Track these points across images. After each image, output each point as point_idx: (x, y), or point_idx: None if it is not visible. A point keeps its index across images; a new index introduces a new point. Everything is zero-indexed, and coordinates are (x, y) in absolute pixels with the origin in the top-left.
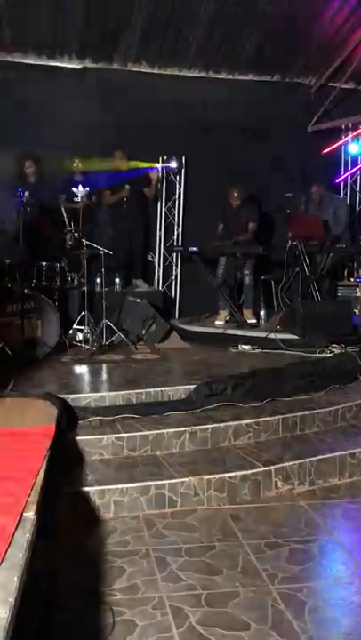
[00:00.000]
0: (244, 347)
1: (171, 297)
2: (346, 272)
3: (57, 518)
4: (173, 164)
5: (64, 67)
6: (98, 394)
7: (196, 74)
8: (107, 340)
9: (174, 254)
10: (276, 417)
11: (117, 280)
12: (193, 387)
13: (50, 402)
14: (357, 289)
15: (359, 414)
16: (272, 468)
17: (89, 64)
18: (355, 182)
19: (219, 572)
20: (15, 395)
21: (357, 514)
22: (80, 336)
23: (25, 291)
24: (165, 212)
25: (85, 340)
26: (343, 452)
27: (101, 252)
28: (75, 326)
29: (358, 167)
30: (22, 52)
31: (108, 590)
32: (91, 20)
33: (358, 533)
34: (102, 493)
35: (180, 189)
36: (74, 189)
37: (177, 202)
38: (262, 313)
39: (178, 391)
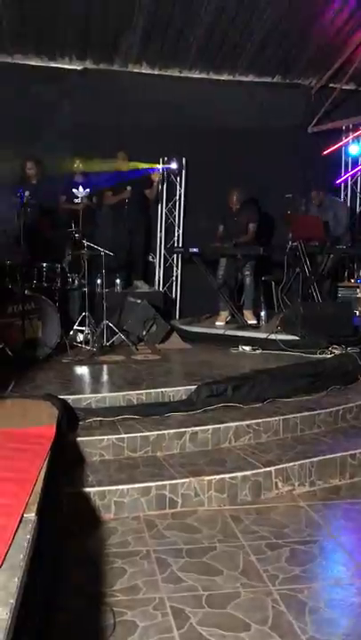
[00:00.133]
0: (244, 348)
1: (171, 298)
2: (346, 273)
3: (57, 519)
4: (174, 166)
5: (65, 68)
6: (98, 395)
7: (196, 75)
8: (107, 340)
9: (175, 255)
10: (277, 418)
11: (118, 281)
12: (194, 388)
13: (50, 403)
14: (358, 290)
15: (360, 415)
16: (273, 468)
17: (90, 65)
18: (355, 183)
19: (219, 572)
20: (16, 395)
21: (358, 515)
22: (81, 337)
23: (26, 291)
24: (166, 213)
25: (86, 341)
26: (344, 453)
27: (102, 253)
28: (75, 327)
29: (359, 168)
30: (23, 54)
31: (108, 591)
32: (91, 20)
33: (359, 534)
34: (103, 494)
35: (180, 190)
36: (74, 190)
37: (177, 203)
38: (263, 314)
39: (178, 392)
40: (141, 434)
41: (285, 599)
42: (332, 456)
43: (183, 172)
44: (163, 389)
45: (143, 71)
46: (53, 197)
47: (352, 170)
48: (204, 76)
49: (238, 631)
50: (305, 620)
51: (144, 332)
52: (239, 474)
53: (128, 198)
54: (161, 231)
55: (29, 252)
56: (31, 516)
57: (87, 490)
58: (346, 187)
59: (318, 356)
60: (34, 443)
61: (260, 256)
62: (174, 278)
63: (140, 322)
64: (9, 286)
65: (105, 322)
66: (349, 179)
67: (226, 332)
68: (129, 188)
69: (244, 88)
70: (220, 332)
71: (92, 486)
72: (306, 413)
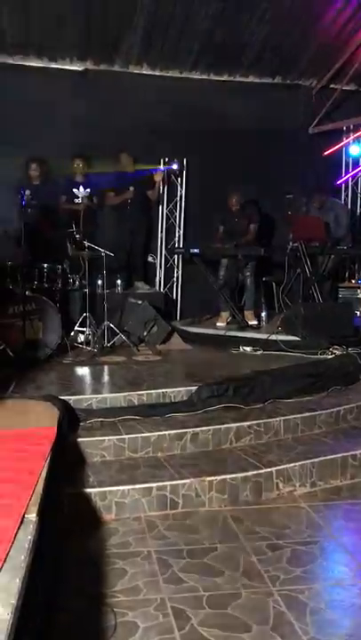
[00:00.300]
0: (245, 348)
1: (172, 298)
2: (347, 274)
3: (58, 520)
4: (175, 166)
5: (65, 69)
6: (99, 395)
7: (197, 76)
8: (108, 341)
9: (175, 256)
10: (278, 418)
11: (119, 282)
12: (194, 388)
13: (51, 403)
14: (359, 290)
15: (360, 416)
16: (273, 469)
17: (90, 66)
18: (356, 184)
19: (220, 573)
20: (17, 396)
21: (359, 515)
22: (81, 338)
23: (26, 292)
24: (167, 214)
25: (87, 342)
26: (345, 454)
27: (102, 254)
28: (76, 328)
29: (359, 169)
30: (24, 55)
31: (109, 592)
32: (92, 21)
33: (360, 535)
34: (104, 495)
35: (181, 191)
36: (74, 190)
37: (178, 204)
38: (263, 314)
39: (179, 393)
40: (142, 434)
41: (286, 600)
42: (332, 457)
43: (184, 172)
44: (163, 390)
45: (144, 72)
46: (54, 198)
47: (353, 170)
48: (204, 76)
49: (239, 632)
50: (306, 621)
51: (145, 333)
52: (240, 474)
53: (130, 199)
54: (162, 232)
55: (30, 252)
56: (32, 516)
57: (88, 490)
58: (346, 187)
59: (319, 356)
60: (35, 443)
61: (260, 257)
62: (175, 279)
63: (141, 323)
64: (10, 287)
65: (106, 323)
66: (350, 179)
67: (227, 333)
68: (131, 188)
69: (244, 89)
70: (221, 332)
71: (93, 487)
72: (307, 414)
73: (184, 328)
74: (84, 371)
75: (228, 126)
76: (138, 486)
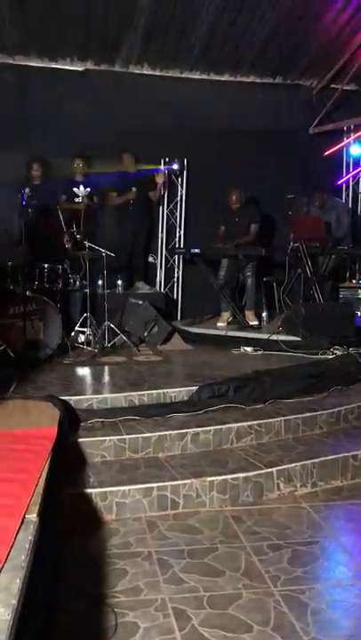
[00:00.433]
0: (246, 348)
1: (173, 299)
2: (348, 274)
3: (59, 520)
4: (175, 167)
5: (66, 69)
6: (100, 396)
7: (197, 76)
8: (109, 341)
9: (176, 256)
10: (279, 419)
11: (119, 282)
12: (195, 388)
13: (52, 404)
14: (359, 290)
15: None
16: (274, 469)
17: (91, 66)
18: (356, 184)
19: (221, 573)
20: (17, 397)
21: (360, 515)
22: (82, 338)
23: (27, 292)
24: (167, 214)
25: (87, 342)
26: (345, 454)
27: (103, 254)
28: (77, 328)
29: (360, 169)
30: (24, 55)
31: (110, 592)
32: (92, 21)
33: None
34: (104, 495)
35: (181, 191)
36: (74, 190)
37: (179, 204)
38: (264, 315)
39: (180, 393)
40: (143, 435)
41: (287, 600)
42: (333, 457)
43: (185, 172)
44: (164, 390)
45: (144, 72)
46: (55, 197)
47: (353, 170)
48: (205, 76)
49: (240, 632)
50: (307, 621)
51: (145, 333)
52: (241, 475)
53: (133, 200)
54: (162, 232)
55: (30, 252)
56: (33, 516)
57: (89, 491)
58: (347, 187)
59: (320, 356)
60: (35, 444)
61: (261, 257)
62: (176, 279)
63: (142, 323)
64: (10, 287)
65: (106, 323)
66: (351, 179)
67: (227, 333)
68: (134, 189)
69: (245, 89)
70: (222, 332)
71: (94, 487)
72: (307, 414)
73: (185, 328)
74: (84, 371)
75: (228, 126)
76: (138, 486)
